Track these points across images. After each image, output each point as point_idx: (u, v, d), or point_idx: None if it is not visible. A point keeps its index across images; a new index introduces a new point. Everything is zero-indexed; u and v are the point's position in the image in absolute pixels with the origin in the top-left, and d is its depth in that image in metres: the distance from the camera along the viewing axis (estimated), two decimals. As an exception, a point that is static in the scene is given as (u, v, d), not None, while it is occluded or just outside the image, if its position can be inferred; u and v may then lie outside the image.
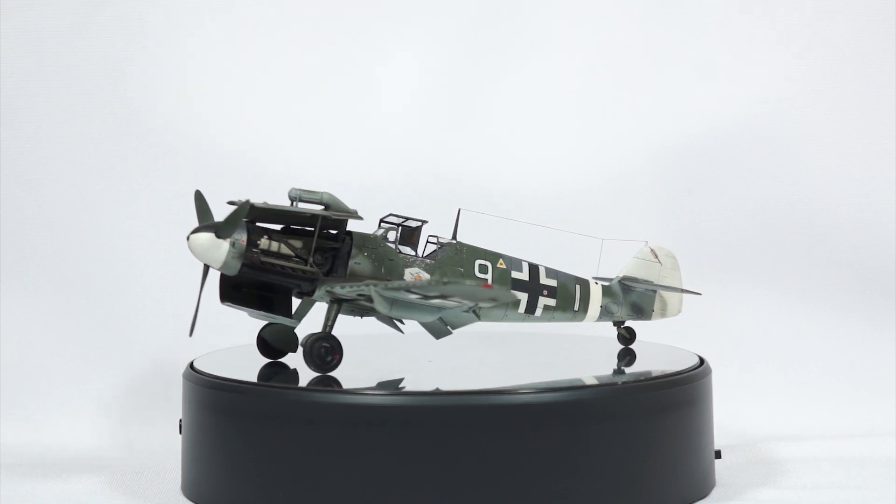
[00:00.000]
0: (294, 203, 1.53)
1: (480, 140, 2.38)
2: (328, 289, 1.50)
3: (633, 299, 1.79)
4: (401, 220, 1.60)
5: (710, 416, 1.58)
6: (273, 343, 1.64)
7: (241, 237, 1.48)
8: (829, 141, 2.36)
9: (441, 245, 1.61)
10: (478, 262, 1.62)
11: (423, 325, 1.61)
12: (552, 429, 1.39)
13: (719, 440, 1.63)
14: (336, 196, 1.55)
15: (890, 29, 2.35)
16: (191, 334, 1.51)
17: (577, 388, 1.46)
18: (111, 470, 1.74)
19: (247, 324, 1.98)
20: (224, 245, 1.47)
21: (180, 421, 1.60)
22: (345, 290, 1.50)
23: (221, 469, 1.48)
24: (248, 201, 1.46)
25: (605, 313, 1.76)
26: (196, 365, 1.59)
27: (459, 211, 1.63)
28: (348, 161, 2.32)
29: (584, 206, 2.33)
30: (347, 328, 1.64)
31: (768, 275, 2.32)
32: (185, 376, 1.57)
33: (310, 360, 1.50)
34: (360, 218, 1.56)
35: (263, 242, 1.51)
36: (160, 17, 2.33)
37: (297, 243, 1.53)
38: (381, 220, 1.60)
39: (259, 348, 1.64)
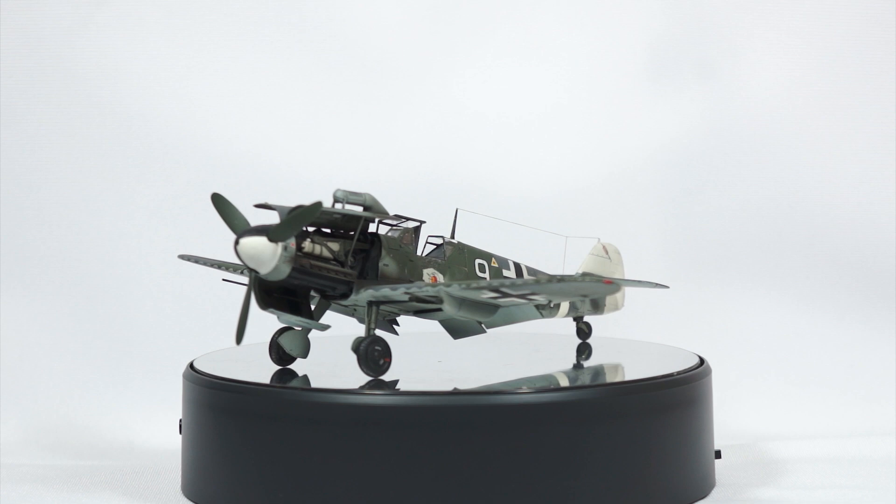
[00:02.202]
0: (342, 204, 1.50)
1: (479, 140, 2.38)
2: (407, 291, 1.45)
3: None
4: (400, 220, 1.59)
5: (710, 416, 1.58)
6: (289, 350, 1.59)
7: (291, 241, 1.43)
8: (829, 141, 2.36)
9: (438, 245, 1.61)
10: (477, 261, 1.62)
11: (450, 323, 1.60)
12: (552, 429, 1.39)
13: (719, 440, 1.63)
14: (376, 197, 1.53)
15: (890, 29, 2.35)
16: (239, 342, 1.44)
17: (577, 388, 1.46)
18: (111, 470, 1.74)
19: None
20: (278, 249, 1.41)
21: (180, 421, 1.59)
22: (421, 292, 1.45)
23: (221, 469, 1.48)
24: (319, 203, 1.40)
25: (572, 309, 1.78)
26: (196, 365, 1.59)
27: (457, 211, 1.63)
28: (347, 160, 2.33)
29: (584, 206, 2.33)
30: (347, 329, 1.64)
31: (768, 275, 2.32)
32: (185, 376, 1.57)
33: (365, 364, 1.48)
34: (401, 220, 1.55)
35: (307, 245, 1.47)
36: (160, 17, 2.33)
37: (335, 246, 1.50)
38: (380, 222, 1.59)
39: (271, 354, 1.60)
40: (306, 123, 2.36)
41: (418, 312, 1.57)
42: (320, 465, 1.39)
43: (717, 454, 1.59)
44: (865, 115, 2.36)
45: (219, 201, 1.46)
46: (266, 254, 1.41)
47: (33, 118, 2.29)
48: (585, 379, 1.61)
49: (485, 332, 1.62)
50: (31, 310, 2.22)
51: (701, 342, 1.89)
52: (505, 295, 1.46)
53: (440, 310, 1.54)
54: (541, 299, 1.49)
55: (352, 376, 1.49)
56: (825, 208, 2.34)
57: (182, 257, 1.75)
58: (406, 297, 1.48)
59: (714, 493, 1.56)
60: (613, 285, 1.38)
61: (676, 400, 1.49)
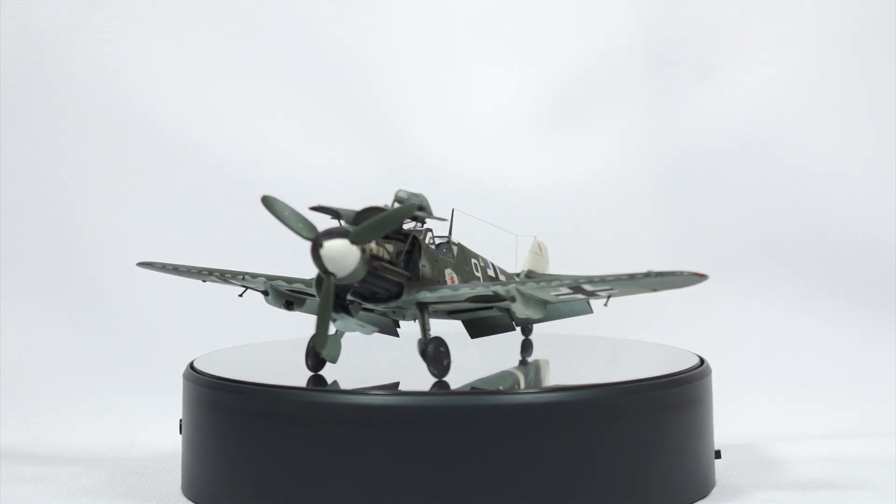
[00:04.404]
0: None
1: (479, 139, 2.38)
2: (501, 290, 1.42)
3: None
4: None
5: (710, 416, 1.58)
6: (328, 355, 1.53)
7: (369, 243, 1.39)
8: (829, 140, 2.36)
9: (439, 244, 1.60)
10: (472, 260, 1.62)
11: (481, 322, 1.58)
12: (552, 429, 1.39)
13: (719, 440, 1.63)
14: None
15: (890, 29, 2.35)
16: (320, 349, 1.40)
17: (577, 388, 1.46)
18: (111, 470, 1.74)
19: (245, 324, 1.98)
20: (358, 252, 1.36)
21: (180, 421, 1.60)
22: (489, 291, 1.43)
23: (221, 469, 1.48)
24: (414, 206, 1.37)
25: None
26: (196, 365, 1.59)
27: (453, 211, 1.62)
28: (345, 159, 2.33)
29: (583, 207, 2.33)
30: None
31: (769, 275, 2.32)
32: (185, 376, 1.57)
33: (434, 365, 1.47)
34: (444, 220, 1.54)
35: (374, 248, 1.42)
36: (159, 17, 2.34)
37: (390, 247, 1.46)
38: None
39: (307, 361, 1.56)
40: (306, 123, 2.36)
41: (452, 313, 1.55)
42: (320, 465, 1.39)
43: (717, 454, 1.59)
44: (866, 116, 2.36)
45: (270, 203, 1.40)
46: (350, 257, 1.36)
47: (33, 118, 2.29)
48: (531, 379, 1.61)
49: (514, 329, 1.60)
50: (31, 310, 2.22)
51: (701, 342, 1.89)
52: (582, 292, 1.44)
53: (484, 309, 1.52)
54: (602, 294, 1.46)
55: (343, 372, 1.49)
56: (825, 208, 2.34)
57: (140, 265, 1.70)
58: (464, 297, 1.46)
59: (714, 493, 1.56)
60: (705, 278, 1.33)
61: (676, 400, 1.49)
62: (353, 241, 1.35)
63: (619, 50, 2.40)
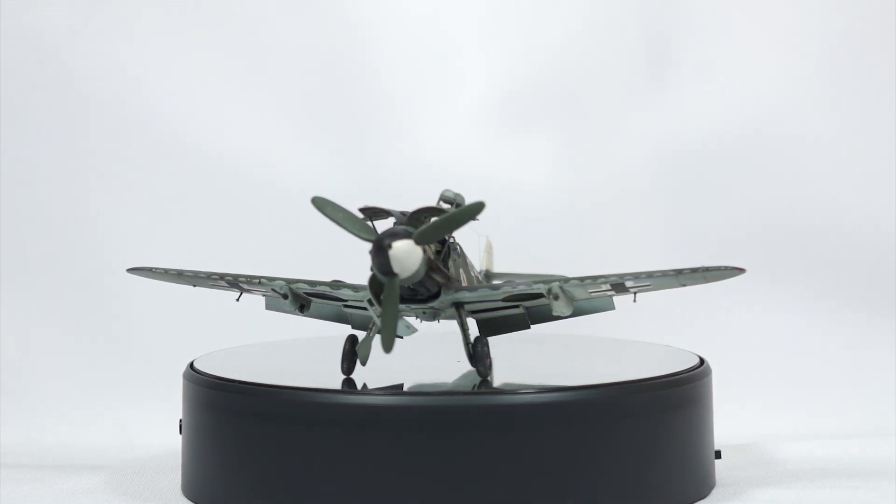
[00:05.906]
0: (452, 205, 1.48)
1: (479, 139, 2.38)
2: (544, 289, 1.41)
3: None
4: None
5: (710, 416, 1.58)
6: (362, 358, 1.52)
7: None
8: (829, 142, 2.36)
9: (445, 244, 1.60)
10: (468, 259, 1.62)
11: (498, 321, 1.57)
12: (552, 429, 1.39)
13: (719, 440, 1.63)
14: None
15: (890, 29, 2.35)
16: (388, 350, 1.35)
17: (577, 388, 1.46)
18: (111, 470, 1.74)
19: (245, 324, 1.98)
20: (421, 252, 1.35)
21: (180, 421, 1.59)
22: (531, 290, 1.43)
23: (221, 469, 1.48)
24: (482, 204, 1.34)
25: None
26: (196, 365, 1.59)
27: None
28: (344, 158, 2.33)
29: (583, 207, 2.33)
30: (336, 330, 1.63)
31: (769, 274, 2.32)
32: (185, 376, 1.57)
33: (481, 363, 1.47)
34: (477, 220, 1.54)
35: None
36: (159, 18, 2.34)
37: (432, 246, 1.44)
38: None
39: (343, 364, 1.54)
40: (306, 124, 2.36)
41: (474, 311, 1.55)
42: (320, 466, 1.39)
43: (717, 454, 1.59)
44: (867, 115, 2.36)
45: (322, 205, 1.37)
46: (414, 258, 1.35)
47: (33, 118, 2.29)
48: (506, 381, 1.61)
49: (529, 328, 1.61)
50: (31, 310, 2.22)
51: (701, 342, 1.89)
52: (622, 289, 1.44)
53: (512, 308, 1.52)
54: (634, 290, 1.46)
55: (389, 379, 1.50)
56: (825, 208, 2.34)
57: (130, 271, 1.68)
58: (503, 296, 1.46)
59: (714, 493, 1.56)
60: (743, 271, 1.35)
61: (676, 400, 1.49)
62: (417, 242, 1.35)
63: (619, 50, 2.40)
